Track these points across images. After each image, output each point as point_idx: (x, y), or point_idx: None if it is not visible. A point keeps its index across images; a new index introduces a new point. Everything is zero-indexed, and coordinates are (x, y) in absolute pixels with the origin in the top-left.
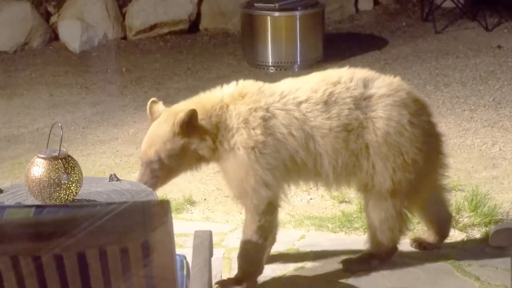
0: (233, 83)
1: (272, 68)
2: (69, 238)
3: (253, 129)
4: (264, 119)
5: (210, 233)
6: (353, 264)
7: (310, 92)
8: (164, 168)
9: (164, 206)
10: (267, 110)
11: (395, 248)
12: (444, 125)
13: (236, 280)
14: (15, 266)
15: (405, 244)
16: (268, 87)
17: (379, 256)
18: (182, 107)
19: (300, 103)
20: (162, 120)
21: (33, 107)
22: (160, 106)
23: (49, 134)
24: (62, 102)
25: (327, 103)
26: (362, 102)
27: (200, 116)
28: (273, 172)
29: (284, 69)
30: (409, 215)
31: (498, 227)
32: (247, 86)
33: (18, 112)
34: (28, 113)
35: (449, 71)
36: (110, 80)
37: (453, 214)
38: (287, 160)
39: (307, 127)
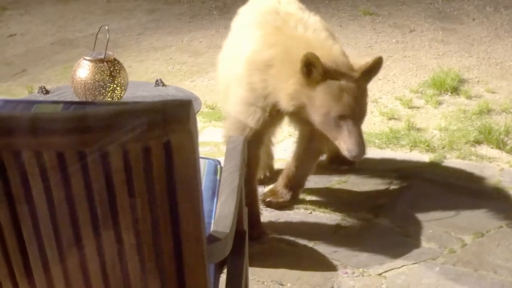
0: None
1: None
2: (94, 134)
3: None
4: None
5: (243, 139)
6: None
7: None
8: None
9: (186, 107)
10: None
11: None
12: (501, 48)
13: (280, 191)
14: (39, 162)
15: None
16: None
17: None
18: None
19: None
20: None
21: (89, 12)
22: None
23: (96, 37)
24: (118, 8)
25: None
26: None
27: None
28: None
29: None
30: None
31: None
32: None
33: (74, 16)
34: (83, 18)
35: None
36: None
37: (502, 136)
38: None
39: None
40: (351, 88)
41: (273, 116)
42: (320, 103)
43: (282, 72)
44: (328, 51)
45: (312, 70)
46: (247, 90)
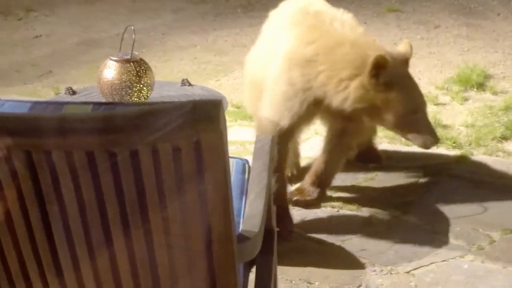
0: None
1: None
2: (123, 134)
3: None
4: None
5: (271, 138)
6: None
7: None
8: None
9: (216, 107)
10: None
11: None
12: None
13: (307, 189)
14: (69, 162)
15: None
16: None
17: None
18: None
19: None
20: None
21: (113, 12)
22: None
23: (122, 38)
24: (143, 8)
25: None
26: None
27: None
28: None
29: None
30: None
31: None
32: None
33: (99, 17)
34: (108, 18)
35: None
36: None
37: None
38: None
39: None
40: (414, 81)
41: (309, 111)
42: (397, 104)
43: (334, 72)
44: (382, 49)
45: (381, 72)
46: (286, 84)
